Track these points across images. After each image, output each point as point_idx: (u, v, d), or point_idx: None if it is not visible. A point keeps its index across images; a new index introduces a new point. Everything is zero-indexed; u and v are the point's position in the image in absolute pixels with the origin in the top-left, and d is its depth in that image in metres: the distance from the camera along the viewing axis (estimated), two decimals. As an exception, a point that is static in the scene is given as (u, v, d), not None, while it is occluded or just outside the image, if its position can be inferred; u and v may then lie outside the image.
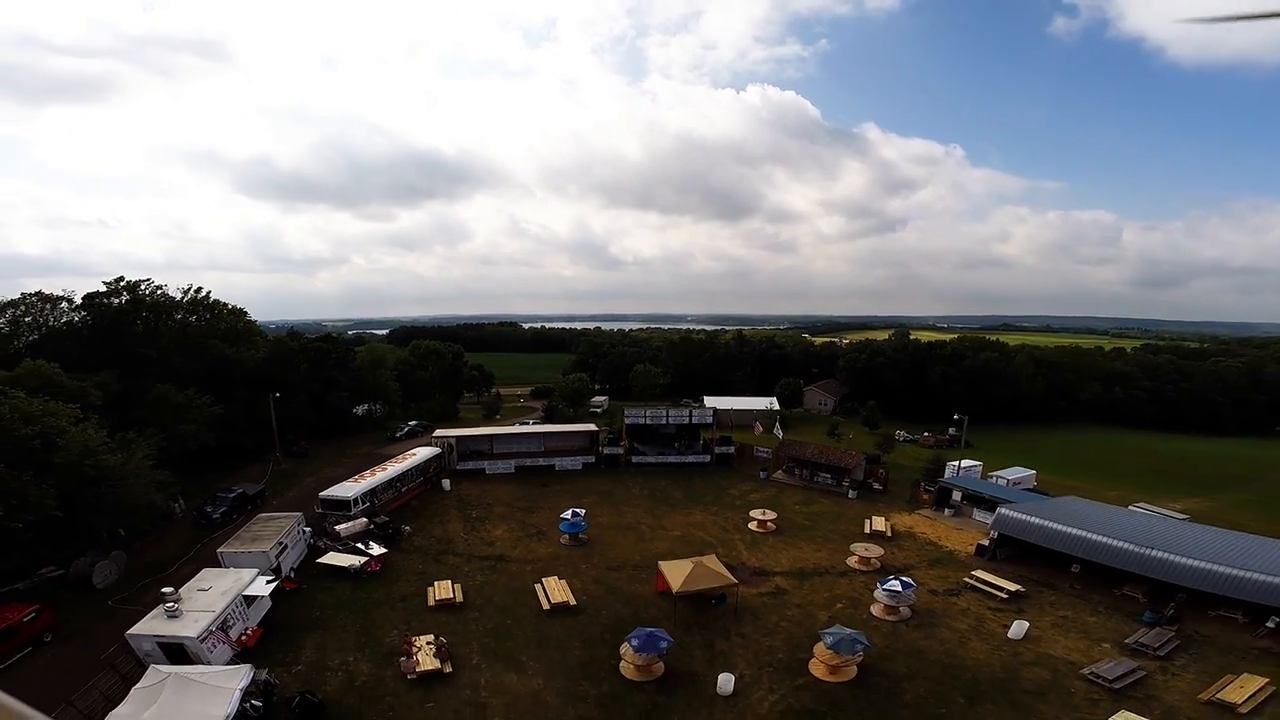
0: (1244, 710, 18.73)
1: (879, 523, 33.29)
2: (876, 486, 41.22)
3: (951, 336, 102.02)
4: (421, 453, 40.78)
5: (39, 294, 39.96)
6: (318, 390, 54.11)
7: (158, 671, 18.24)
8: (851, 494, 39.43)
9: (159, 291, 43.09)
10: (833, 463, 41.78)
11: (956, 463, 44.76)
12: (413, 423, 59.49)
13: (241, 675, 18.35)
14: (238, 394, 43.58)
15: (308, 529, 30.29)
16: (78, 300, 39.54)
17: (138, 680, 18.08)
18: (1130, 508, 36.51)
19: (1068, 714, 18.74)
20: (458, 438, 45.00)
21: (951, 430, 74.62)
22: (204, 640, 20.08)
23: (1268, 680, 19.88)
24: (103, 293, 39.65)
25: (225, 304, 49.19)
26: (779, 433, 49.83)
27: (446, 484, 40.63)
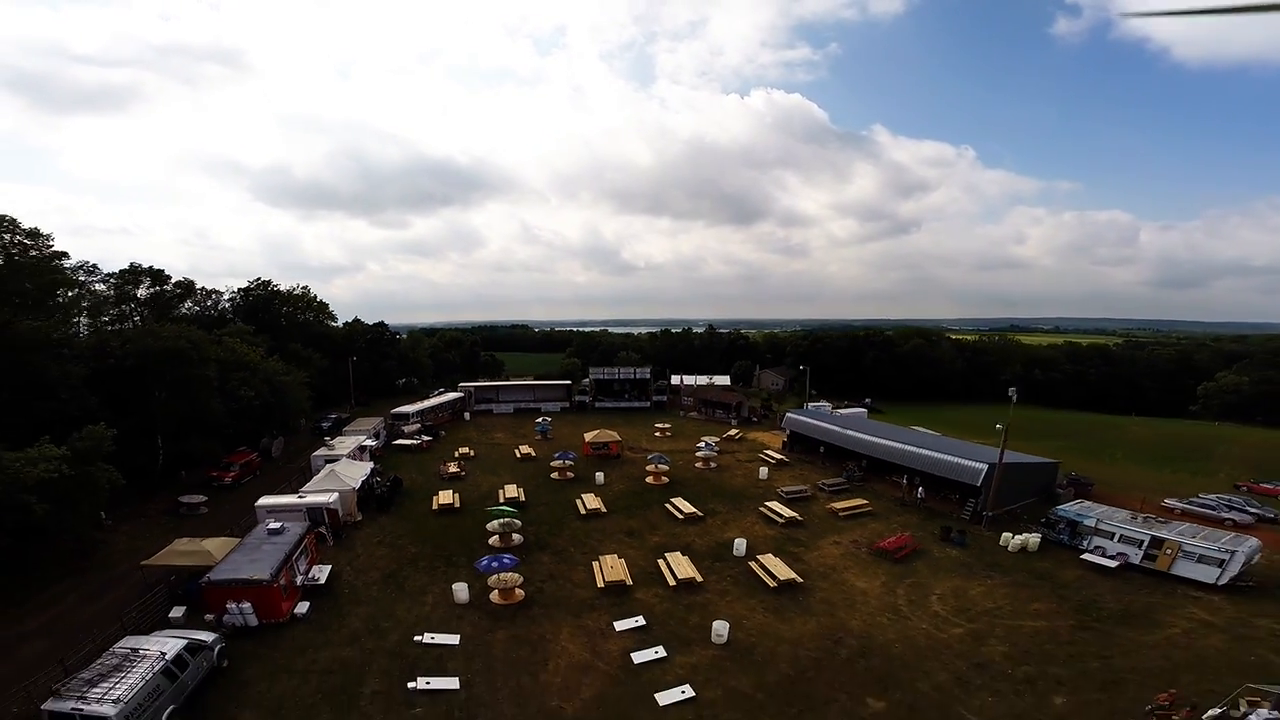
0: (841, 515, 34.03)
1: (732, 432, 52.72)
2: (754, 419, 60.48)
3: (894, 331, 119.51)
4: (450, 395, 61.63)
5: (203, 288, 61.70)
6: (375, 360, 75.43)
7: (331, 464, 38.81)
8: (734, 421, 58.85)
9: (276, 286, 65.12)
10: (725, 402, 61.26)
11: (809, 402, 63.62)
12: (441, 389, 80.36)
13: (371, 465, 38.99)
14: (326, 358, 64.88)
15: (384, 430, 51.09)
16: (233, 291, 62.04)
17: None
18: (911, 428, 54.89)
19: (755, 504, 36.12)
20: (475, 387, 65.87)
21: (868, 400, 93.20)
22: (348, 458, 40.72)
23: (865, 501, 35.90)
24: (250, 287, 61.97)
25: (315, 296, 71.03)
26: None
27: (467, 416, 61.29)
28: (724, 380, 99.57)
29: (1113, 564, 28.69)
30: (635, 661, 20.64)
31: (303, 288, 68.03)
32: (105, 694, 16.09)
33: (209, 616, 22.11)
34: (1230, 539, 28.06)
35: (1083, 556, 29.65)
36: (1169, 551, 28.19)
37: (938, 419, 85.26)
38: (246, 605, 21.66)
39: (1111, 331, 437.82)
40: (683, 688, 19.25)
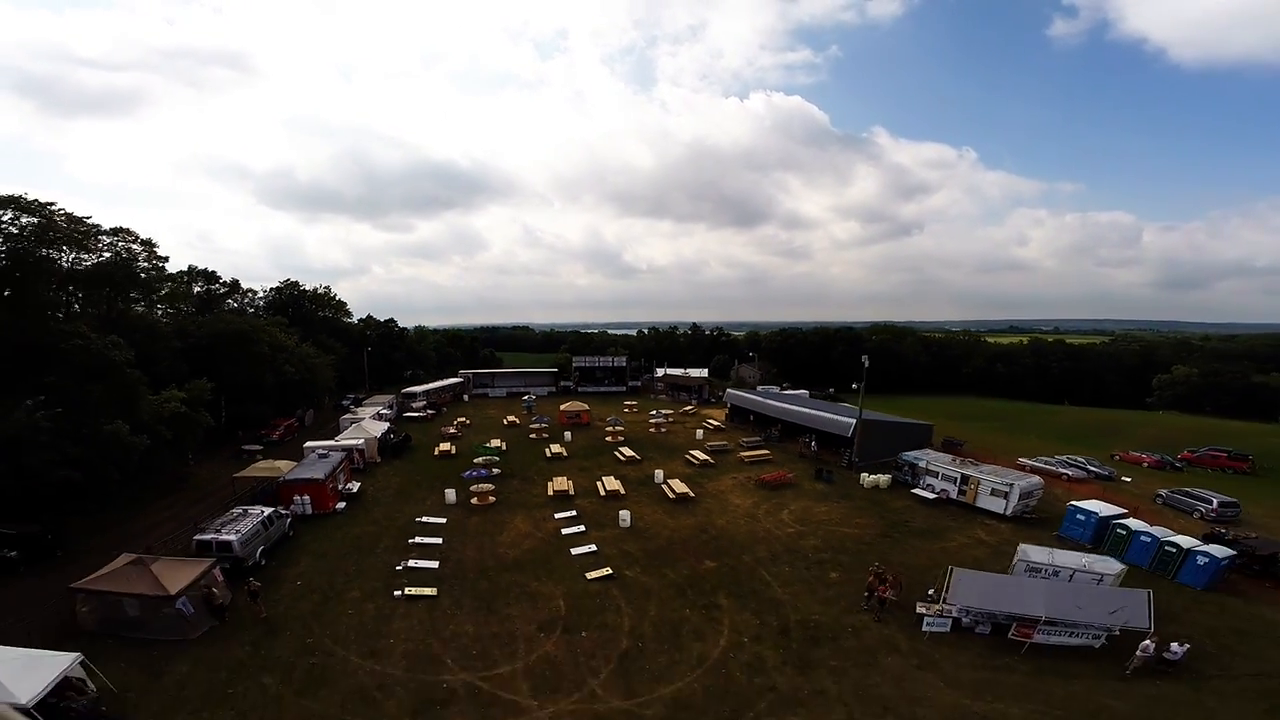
0: (746, 461, 43.80)
1: (688, 408, 62.91)
2: (712, 400, 70.64)
3: (866, 329, 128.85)
4: (451, 380, 72.49)
5: (242, 288, 72.89)
6: (386, 351, 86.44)
7: (357, 422, 49.63)
8: (693, 399, 69.07)
9: (303, 287, 76.49)
10: (688, 385, 71.56)
11: (759, 384, 73.62)
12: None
13: (387, 425, 49.67)
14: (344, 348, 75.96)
15: (395, 405, 61.92)
16: (266, 289, 73.58)
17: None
18: (838, 404, 64.66)
19: (682, 454, 46.47)
20: (473, 373, 76.66)
21: (831, 390, 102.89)
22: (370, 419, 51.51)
23: (768, 452, 46.30)
24: (280, 286, 73.38)
25: (335, 295, 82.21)
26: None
27: (466, 398, 72.02)
28: (702, 372, 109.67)
29: (931, 495, 38.08)
30: (564, 533, 31.00)
31: (325, 287, 79.72)
32: (231, 530, 26.70)
33: (280, 507, 32.73)
34: (1014, 476, 37.31)
35: (913, 491, 39.07)
36: (973, 486, 37.69)
37: (894, 406, 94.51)
38: (306, 498, 32.33)
39: (1109, 332, 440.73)
40: (590, 546, 29.53)
